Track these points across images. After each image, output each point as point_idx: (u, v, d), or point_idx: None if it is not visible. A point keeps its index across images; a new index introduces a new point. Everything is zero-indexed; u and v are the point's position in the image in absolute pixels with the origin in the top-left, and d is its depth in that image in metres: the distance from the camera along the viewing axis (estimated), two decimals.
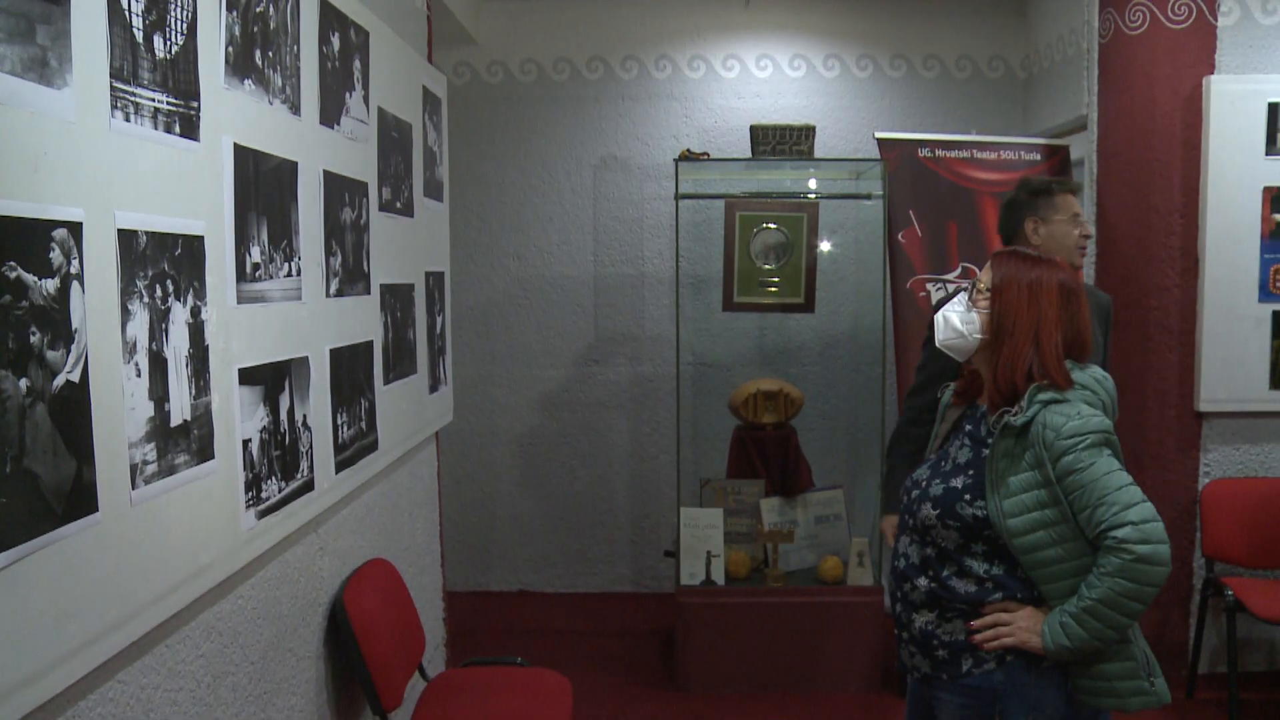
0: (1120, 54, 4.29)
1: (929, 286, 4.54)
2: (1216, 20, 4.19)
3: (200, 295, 1.98)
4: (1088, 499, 2.03)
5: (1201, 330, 4.23)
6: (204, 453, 1.99)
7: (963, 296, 2.28)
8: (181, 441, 1.90)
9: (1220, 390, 4.24)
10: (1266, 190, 4.19)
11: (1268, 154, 4.18)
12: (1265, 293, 4.22)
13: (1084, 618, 2.02)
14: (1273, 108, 4.16)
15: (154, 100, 1.80)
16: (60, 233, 1.52)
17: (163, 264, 1.83)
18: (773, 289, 4.88)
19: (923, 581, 2.22)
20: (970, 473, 2.19)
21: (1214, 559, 4.16)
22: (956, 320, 2.25)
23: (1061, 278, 2.20)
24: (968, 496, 2.16)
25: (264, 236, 2.28)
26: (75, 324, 1.56)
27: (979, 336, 2.22)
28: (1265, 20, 4.22)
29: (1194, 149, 4.20)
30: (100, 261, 1.64)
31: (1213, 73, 4.19)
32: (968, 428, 2.29)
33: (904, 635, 2.29)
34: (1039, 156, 4.72)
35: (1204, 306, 4.22)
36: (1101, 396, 2.17)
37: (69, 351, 1.55)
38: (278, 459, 2.36)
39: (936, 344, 2.33)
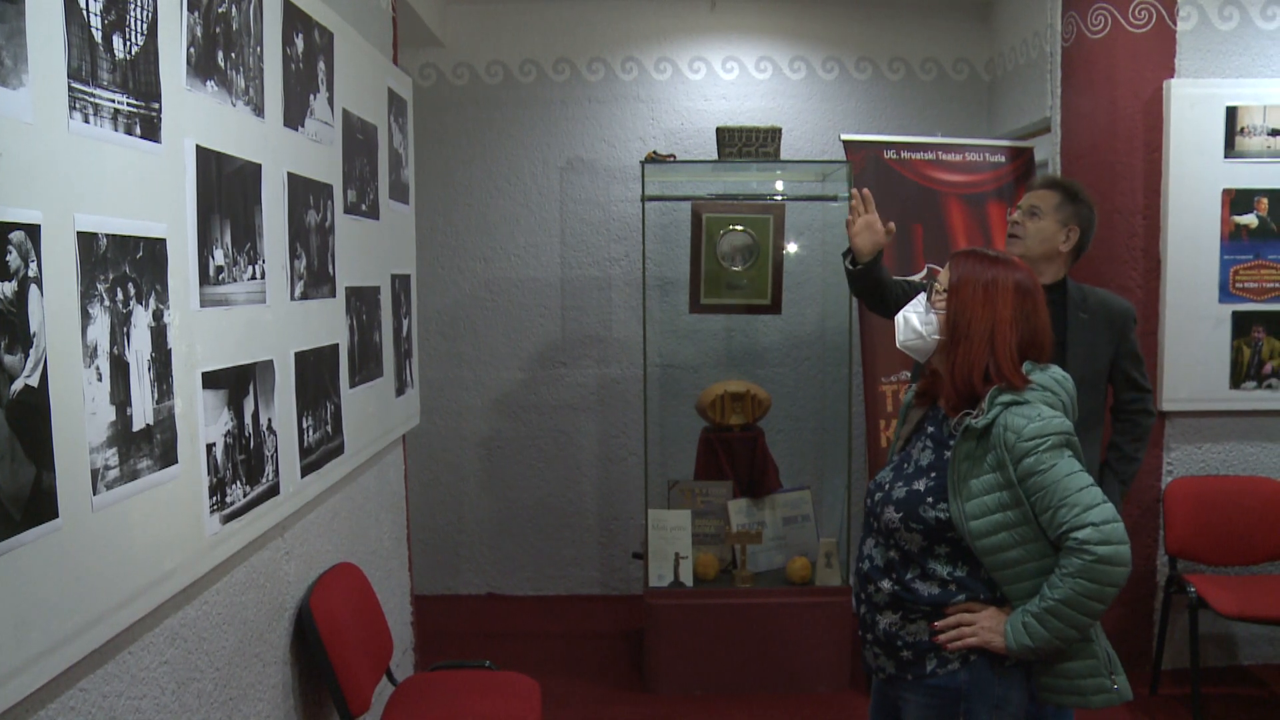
0: (1083, 57, 4.33)
1: None
2: (1176, 25, 4.25)
3: (162, 298, 1.96)
4: (1049, 500, 2.04)
5: (1163, 330, 4.28)
6: (167, 457, 1.97)
7: (922, 297, 2.29)
8: (144, 446, 1.88)
9: (1182, 390, 4.29)
10: (1225, 192, 4.25)
11: (1226, 157, 4.24)
12: (1225, 293, 4.28)
13: (1046, 618, 2.04)
14: (1231, 111, 4.22)
15: (114, 101, 1.78)
16: (17, 235, 1.50)
17: (124, 267, 1.81)
18: (740, 291, 4.89)
19: (886, 584, 2.22)
20: (933, 475, 2.20)
21: (1177, 556, 4.21)
22: (915, 321, 2.27)
23: (1018, 278, 2.20)
24: (930, 499, 2.16)
25: (227, 239, 2.26)
26: (34, 327, 1.54)
27: (937, 337, 2.23)
28: (1222, 26, 4.29)
29: (1155, 151, 4.25)
30: (59, 264, 1.62)
31: (1172, 76, 4.25)
32: (930, 429, 2.29)
33: (868, 636, 2.30)
34: (1003, 158, 4.77)
35: (1166, 307, 4.28)
36: (1062, 397, 2.18)
37: (27, 355, 1.52)
38: (242, 463, 2.34)
39: (897, 344, 2.34)
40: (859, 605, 2.34)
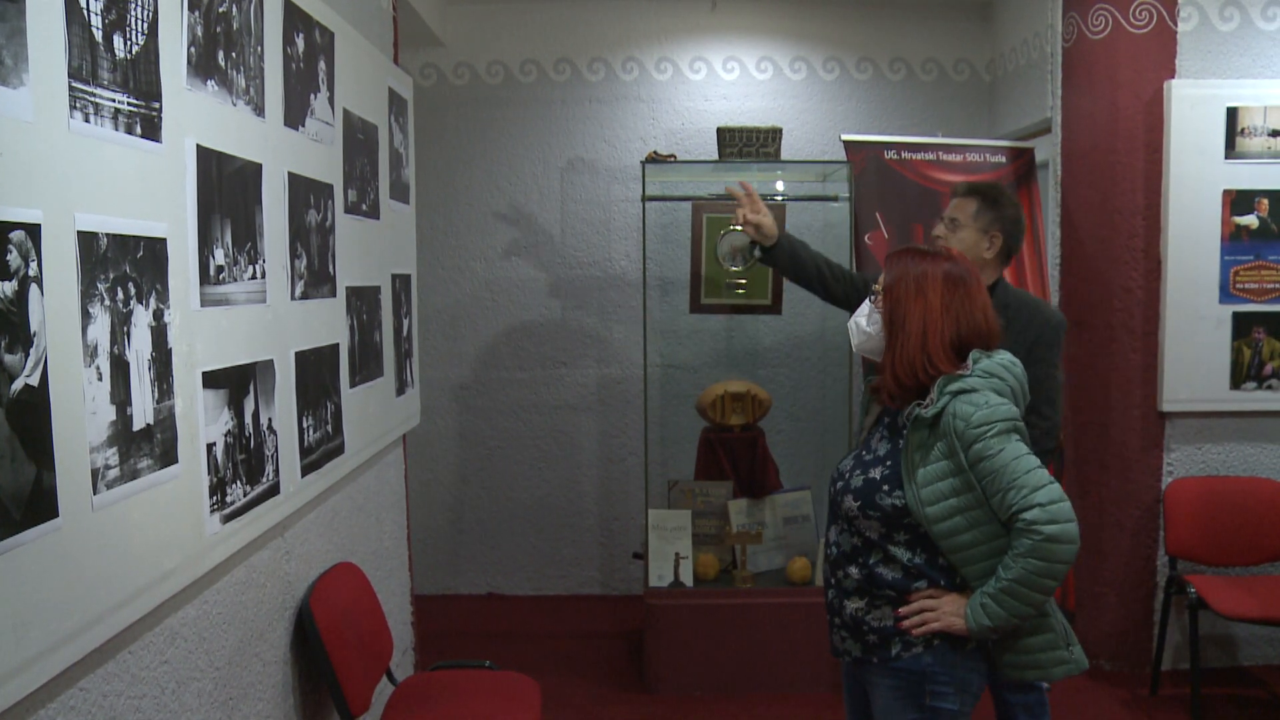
0: (1083, 58, 4.33)
1: None
2: (1176, 25, 4.25)
3: (163, 298, 1.96)
4: (999, 483, 2.12)
5: (1164, 331, 4.28)
6: (167, 457, 1.97)
7: (868, 301, 2.37)
8: (144, 446, 1.88)
9: (1182, 390, 4.29)
10: (1226, 193, 4.25)
11: (1227, 157, 4.24)
12: (1225, 294, 4.28)
13: (1002, 598, 2.12)
14: (1231, 112, 4.22)
15: (114, 101, 1.78)
16: (18, 235, 1.50)
17: (124, 266, 1.81)
18: (740, 291, 4.89)
19: (853, 570, 2.30)
20: (888, 463, 2.27)
21: (1177, 557, 4.21)
22: (864, 323, 2.36)
23: (946, 268, 2.27)
24: (886, 487, 2.24)
25: (228, 239, 2.26)
26: (34, 327, 1.54)
27: (883, 335, 2.30)
28: (1223, 26, 4.29)
29: (1156, 152, 4.25)
30: (60, 264, 1.62)
31: (1173, 77, 4.25)
32: (886, 420, 2.37)
33: (835, 621, 2.38)
34: (1004, 159, 4.76)
35: (1166, 308, 4.27)
36: (1010, 382, 2.23)
37: (28, 355, 1.52)
38: (243, 463, 2.34)
39: (854, 349, 2.42)
40: (828, 591, 2.41)
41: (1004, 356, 2.27)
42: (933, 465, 2.17)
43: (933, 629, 2.20)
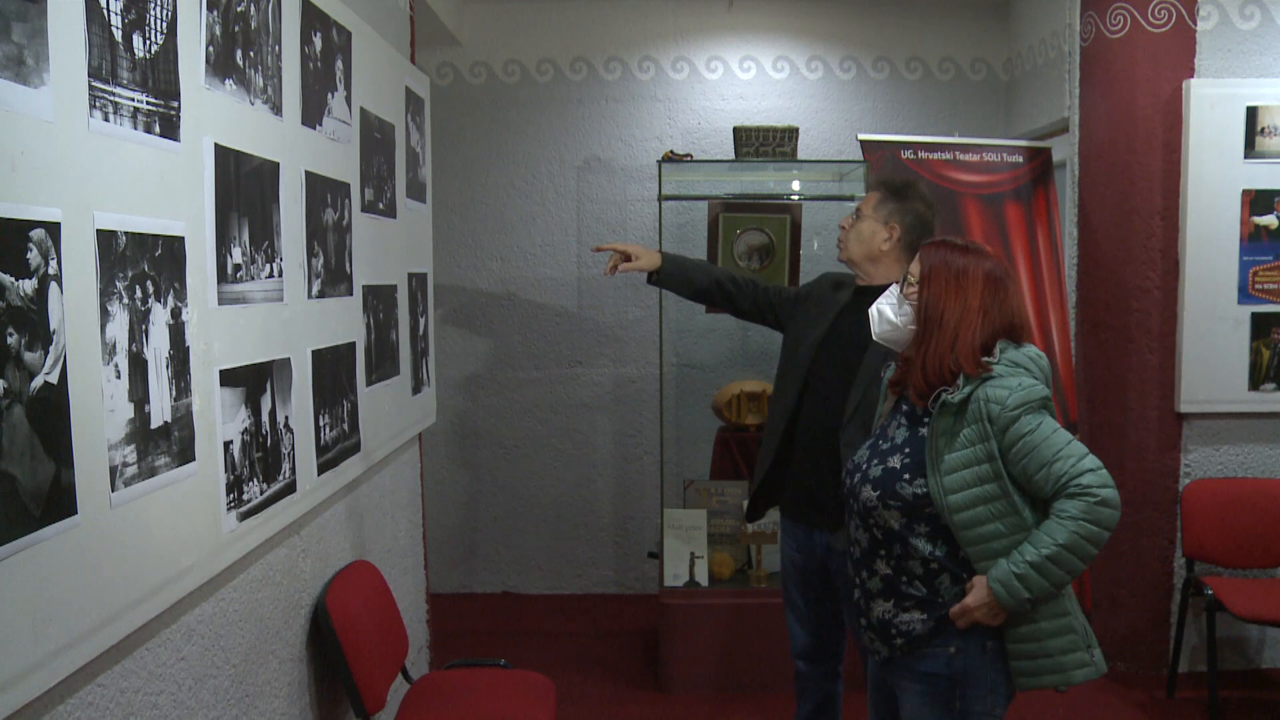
0: (1101, 57, 4.31)
1: None
2: (1196, 24, 4.22)
3: (181, 296, 1.97)
4: (1043, 457, 2.09)
5: (1182, 332, 4.26)
6: (185, 455, 1.98)
7: (895, 289, 2.33)
8: (162, 443, 1.89)
9: (1200, 391, 4.27)
10: (1245, 193, 4.22)
11: (1246, 157, 4.21)
12: (1244, 294, 4.25)
13: (1047, 565, 2.07)
14: (1251, 111, 4.20)
15: (133, 100, 1.78)
16: (38, 233, 1.51)
17: (143, 265, 1.82)
18: None
19: (879, 566, 2.26)
20: (907, 451, 2.24)
21: (1194, 559, 4.19)
22: (890, 313, 2.31)
23: (987, 267, 2.24)
24: (906, 476, 2.20)
25: (245, 237, 2.27)
26: (53, 325, 1.55)
27: (912, 327, 2.27)
28: (1243, 25, 4.26)
29: (1174, 152, 4.23)
30: (79, 262, 1.63)
31: (1192, 76, 4.23)
32: (904, 407, 2.33)
33: (862, 622, 2.35)
34: (1021, 159, 4.74)
35: (1184, 308, 4.25)
36: (1035, 374, 2.21)
37: (47, 353, 1.53)
38: (259, 461, 2.35)
39: (873, 337, 2.37)
40: (853, 591, 2.38)
41: (1031, 349, 2.24)
42: (959, 453, 2.14)
43: (974, 619, 2.15)
